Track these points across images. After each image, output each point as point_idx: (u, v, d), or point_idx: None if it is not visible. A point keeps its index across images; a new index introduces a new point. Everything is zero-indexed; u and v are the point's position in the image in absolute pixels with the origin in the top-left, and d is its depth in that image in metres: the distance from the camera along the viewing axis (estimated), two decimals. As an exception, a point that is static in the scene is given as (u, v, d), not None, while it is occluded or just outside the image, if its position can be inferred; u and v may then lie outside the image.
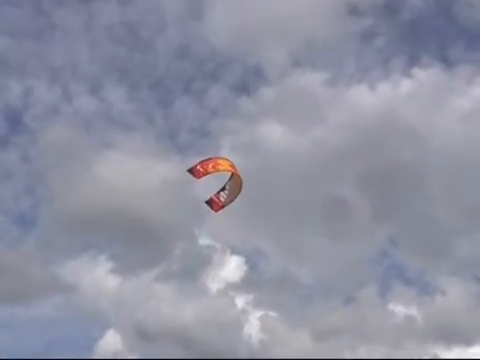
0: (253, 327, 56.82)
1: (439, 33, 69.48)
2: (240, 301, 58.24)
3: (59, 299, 58.92)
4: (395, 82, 66.44)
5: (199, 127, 68.49)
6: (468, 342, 54.99)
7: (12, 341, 54.22)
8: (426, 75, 66.38)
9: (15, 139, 66.47)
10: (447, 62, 68.35)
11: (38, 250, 60.13)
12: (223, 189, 32.22)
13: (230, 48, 66.68)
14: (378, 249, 62.04)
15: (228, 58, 67.74)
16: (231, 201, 32.16)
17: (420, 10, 66.99)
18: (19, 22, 67.37)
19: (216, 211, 32.16)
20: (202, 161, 31.70)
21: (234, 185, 32.14)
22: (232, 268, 60.43)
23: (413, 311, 57.80)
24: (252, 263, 61.79)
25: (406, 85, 66.08)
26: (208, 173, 31.36)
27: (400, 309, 57.83)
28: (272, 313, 58.05)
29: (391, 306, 58.38)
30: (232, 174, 32.10)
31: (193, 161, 31.87)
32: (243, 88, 70.17)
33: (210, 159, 31.93)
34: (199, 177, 31.32)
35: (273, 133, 65.07)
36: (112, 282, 60.40)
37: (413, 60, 68.74)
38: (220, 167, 31.74)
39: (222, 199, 32.09)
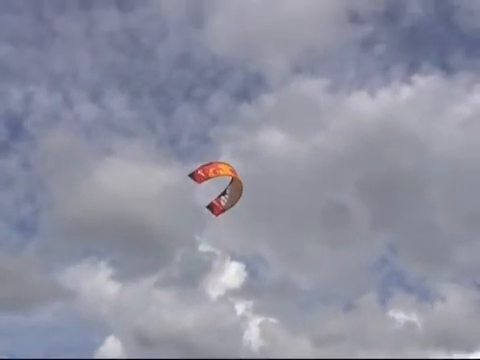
0: (253, 333, 56.99)
1: (439, 40, 69.88)
2: (240, 307, 58.39)
3: (59, 305, 59.04)
4: (395, 89, 66.71)
5: (200, 134, 68.78)
6: (468, 349, 55.04)
7: (12, 348, 54.27)
8: (426, 82, 66.63)
9: (16, 145, 66.76)
10: (447, 69, 68.71)
11: (38, 256, 60.29)
12: (224, 193, 32.39)
13: (231, 55, 66.99)
14: (378, 256, 62.20)
15: (229, 65, 68.07)
16: (231, 205, 32.32)
17: (420, 17, 67.29)
18: (20, 29, 67.83)
19: (217, 215, 32.34)
20: (203, 166, 31.90)
21: (234, 189, 32.29)
22: (232, 274, 60.57)
23: (413, 318, 57.97)
24: (252, 269, 61.98)
25: (406, 92, 66.34)
26: (209, 178, 31.52)
27: (400, 316, 58.00)
28: (272, 319, 58.22)
29: (391, 313, 58.56)
30: (232, 178, 32.26)
31: (193, 168, 32.09)
32: (244, 95, 70.46)
33: (211, 164, 32.13)
34: (200, 182, 31.47)
35: (273, 140, 65.35)
36: (112, 288, 60.57)
37: (413, 67, 68.96)
38: (221, 172, 31.91)
39: (222, 203, 32.24)
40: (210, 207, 32.36)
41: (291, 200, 61.52)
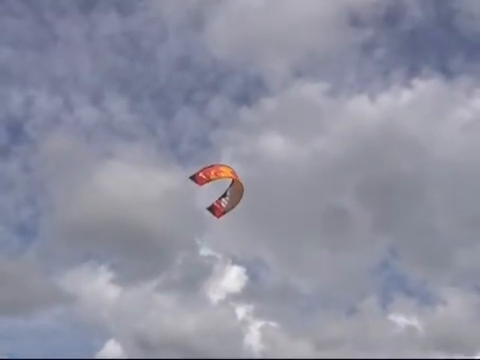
0: (254, 337, 56.85)
1: (439, 44, 69.87)
2: (241, 311, 58.29)
3: (59, 309, 58.97)
4: (395, 93, 66.68)
5: (200, 137, 68.77)
6: (469, 352, 54.94)
7: (12, 352, 54.19)
8: (426, 86, 66.72)
9: (16, 149, 66.80)
10: (447, 73, 68.67)
11: (39, 260, 60.24)
12: (224, 195, 32.37)
13: (231, 58, 67.09)
14: (379, 260, 62.05)
15: (229, 69, 68.06)
16: (232, 207, 32.29)
17: (420, 21, 67.37)
18: (21, 33, 68.00)
19: (218, 217, 32.28)
20: (204, 168, 31.86)
21: (235, 192, 32.27)
22: (233, 278, 60.48)
23: (414, 322, 57.85)
24: (253, 273, 61.87)
25: (406, 96, 66.35)
26: (210, 180, 31.50)
27: (401, 320, 57.90)
28: (273, 323, 58.09)
29: (392, 317, 58.48)
30: (233, 181, 32.25)
31: (194, 171, 31.97)
32: (244, 99, 70.35)
33: (212, 166, 32.09)
34: (201, 184, 31.45)
35: (274, 144, 65.33)
36: (113, 292, 60.46)
37: (413, 71, 68.98)
38: (222, 174, 31.90)
39: (223, 205, 32.21)
40: (211, 209, 32.35)
41: (292, 204, 61.57)
